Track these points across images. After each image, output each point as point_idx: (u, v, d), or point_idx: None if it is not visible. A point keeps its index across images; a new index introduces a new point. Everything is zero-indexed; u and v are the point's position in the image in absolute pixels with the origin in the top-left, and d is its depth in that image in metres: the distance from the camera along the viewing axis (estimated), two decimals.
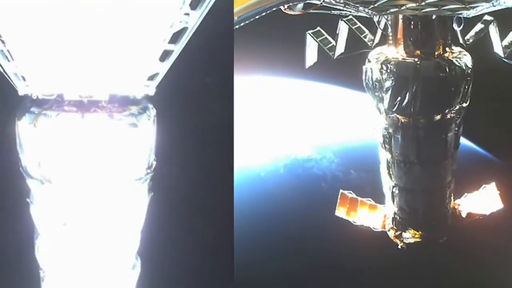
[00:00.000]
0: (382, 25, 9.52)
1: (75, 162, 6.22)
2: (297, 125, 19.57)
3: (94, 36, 5.33)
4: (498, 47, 9.55)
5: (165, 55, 6.15)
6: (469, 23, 9.53)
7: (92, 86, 6.17)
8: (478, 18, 9.60)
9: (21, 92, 6.11)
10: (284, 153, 19.52)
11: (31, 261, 7.40)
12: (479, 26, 9.73)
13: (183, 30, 5.81)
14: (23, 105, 6.33)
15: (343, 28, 9.56)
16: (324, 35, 9.72)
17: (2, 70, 5.91)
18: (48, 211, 6.63)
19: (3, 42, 5.53)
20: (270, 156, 19.21)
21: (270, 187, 18.37)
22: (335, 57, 9.61)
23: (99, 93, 6.28)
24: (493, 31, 9.58)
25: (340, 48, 9.57)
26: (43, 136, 6.16)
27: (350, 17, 9.71)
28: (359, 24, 9.83)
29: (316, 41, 9.63)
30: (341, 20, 9.54)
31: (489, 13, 9.45)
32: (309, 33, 9.69)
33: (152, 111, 6.75)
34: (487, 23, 9.67)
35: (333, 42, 9.61)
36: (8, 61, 5.75)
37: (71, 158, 6.20)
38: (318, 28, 9.81)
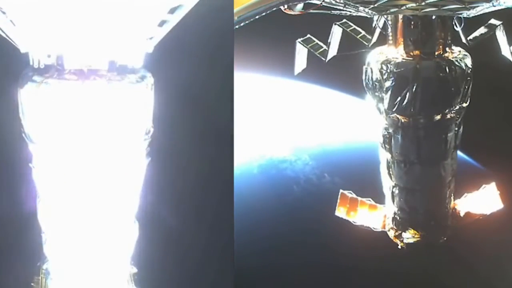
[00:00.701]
0: (381, 25, 9.52)
1: (75, 127, 6.54)
2: (278, 125, 19.36)
3: (93, 5, 5.65)
4: (506, 51, 9.58)
5: (163, 22, 6.43)
6: (474, 24, 9.54)
7: (92, 55, 6.48)
8: (484, 21, 9.60)
9: (23, 51, 6.38)
10: (260, 152, 19.23)
11: (33, 225, 7.68)
12: (484, 29, 9.73)
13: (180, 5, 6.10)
14: (25, 74, 6.63)
15: (336, 32, 9.57)
16: (314, 41, 9.73)
17: (2, 32, 6.19)
18: (49, 175, 6.97)
19: (4, 13, 5.80)
20: (247, 155, 19.01)
21: (242, 186, 18.19)
22: (326, 60, 9.60)
23: (99, 61, 6.57)
24: (500, 35, 9.60)
25: (333, 51, 9.57)
26: (44, 103, 6.47)
27: (344, 20, 9.71)
28: (354, 26, 9.82)
29: (306, 47, 9.64)
30: (335, 24, 9.54)
31: (495, 17, 9.48)
32: (299, 41, 9.71)
33: (150, 80, 6.99)
34: (493, 27, 9.68)
35: (325, 47, 9.60)
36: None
37: (72, 124, 6.52)
38: (308, 35, 9.82)
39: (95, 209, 7.11)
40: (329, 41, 9.54)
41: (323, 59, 9.59)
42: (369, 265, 15.09)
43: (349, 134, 19.31)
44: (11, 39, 6.27)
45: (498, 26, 9.64)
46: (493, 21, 9.75)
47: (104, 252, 7.50)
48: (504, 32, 9.60)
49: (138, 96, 6.77)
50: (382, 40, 9.61)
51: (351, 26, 9.80)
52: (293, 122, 19.38)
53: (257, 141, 18.92)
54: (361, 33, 9.89)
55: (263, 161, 19.24)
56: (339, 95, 19.66)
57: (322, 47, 9.63)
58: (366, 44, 9.74)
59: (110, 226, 7.35)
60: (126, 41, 6.43)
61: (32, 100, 6.54)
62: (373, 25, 9.67)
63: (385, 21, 9.36)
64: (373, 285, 15.58)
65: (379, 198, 10.98)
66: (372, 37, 9.76)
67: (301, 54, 9.73)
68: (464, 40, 9.36)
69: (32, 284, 8.26)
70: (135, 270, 8.24)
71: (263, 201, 17.60)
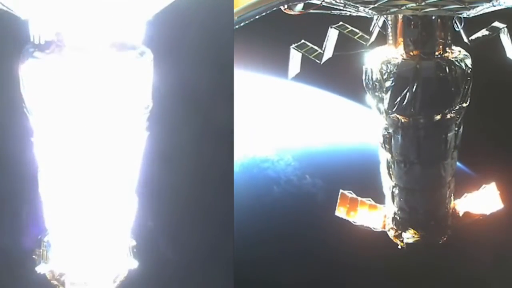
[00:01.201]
0: (380, 25, 9.50)
1: (76, 102, 6.69)
2: (265, 124, 19.13)
3: None
4: (511, 54, 9.58)
5: None
6: (475, 24, 9.53)
7: (92, 31, 6.61)
8: (484, 20, 9.58)
9: (23, 18, 6.48)
10: (243, 151, 18.81)
11: (35, 196, 7.86)
12: (487, 31, 9.71)
13: None
14: (26, 50, 6.76)
15: (332, 35, 9.56)
16: (308, 46, 9.73)
17: (3, 6, 6.29)
18: (50, 148, 7.14)
19: None
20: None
21: None
22: (321, 62, 9.61)
23: (99, 38, 6.68)
24: (505, 38, 9.60)
25: (328, 53, 9.56)
26: (45, 79, 6.61)
27: (341, 23, 9.70)
28: (350, 28, 9.81)
29: (301, 52, 9.66)
30: (331, 27, 9.53)
31: (496, 17, 9.46)
32: (293, 47, 9.73)
33: (149, 55, 7.08)
34: (496, 30, 9.65)
35: (320, 50, 9.60)
36: None
37: (73, 99, 6.67)
38: (303, 40, 9.83)
39: (95, 181, 7.28)
40: (324, 44, 9.54)
41: (318, 61, 9.60)
42: (369, 265, 15.09)
43: (336, 136, 19.15)
44: (10, 10, 6.35)
45: (502, 29, 9.62)
46: (496, 23, 9.73)
47: (104, 224, 7.68)
48: (509, 35, 9.59)
49: (137, 72, 6.90)
50: (382, 40, 9.61)
51: (348, 28, 9.79)
52: (280, 122, 19.17)
53: (242, 139, 18.68)
54: (358, 33, 9.88)
55: (246, 160, 19.01)
56: (331, 97, 19.46)
57: (316, 50, 9.64)
58: (364, 43, 9.72)
59: (110, 198, 7.52)
60: (126, 17, 6.56)
61: (33, 76, 6.67)
62: (372, 25, 9.65)
63: (385, 21, 9.36)
64: (373, 285, 15.58)
65: (378, 198, 10.97)
66: (370, 37, 9.74)
67: (295, 59, 9.76)
68: (466, 40, 9.34)
69: (34, 256, 8.44)
70: (134, 243, 8.44)
71: (242, 200, 17.46)
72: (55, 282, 8.31)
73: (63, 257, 8.01)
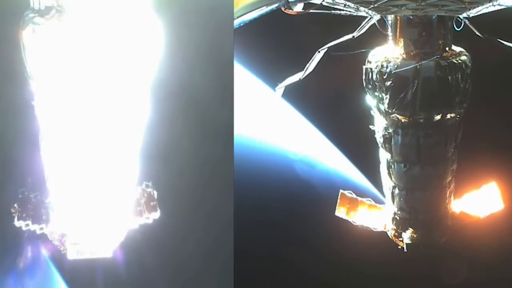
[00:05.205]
0: (378, 23, 9.41)
1: (77, 65, 6.80)
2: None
3: None
4: None
5: None
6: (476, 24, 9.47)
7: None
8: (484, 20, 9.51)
9: None
10: None
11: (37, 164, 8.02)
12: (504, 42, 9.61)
13: None
14: (26, 16, 6.88)
15: (317, 57, 9.60)
16: (290, 82, 10.02)
17: None
18: (51, 111, 7.31)
19: None
20: None
21: None
22: (301, 78, 9.66)
23: (99, 2, 6.74)
24: None
25: (309, 70, 9.63)
26: (46, 44, 6.71)
27: (328, 44, 9.72)
28: (337, 41, 9.75)
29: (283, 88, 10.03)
30: (318, 51, 9.55)
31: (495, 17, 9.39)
32: (277, 88, 10.11)
33: (155, 21, 7.18)
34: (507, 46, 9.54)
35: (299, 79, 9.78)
36: None
37: (73, 62, 6.79)
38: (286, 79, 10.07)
39: (96, 144, 7.43)
40: (307, 65, 9.58)
41: (298, 79, 9.74)
42: (368, 265, 15.08)
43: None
44: None
45: None
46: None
47: (106, 186, 7.86)
48: None
49: (141, 37, 6.95)
50: (381, 40, 9.59)
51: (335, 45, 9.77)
52: None
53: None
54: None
55: None
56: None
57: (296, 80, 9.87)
58: (353, 36, 9.58)
59: (111, 161, 7.68)
60: None
61: (34, 41, 6.73)
62: (366, 20, 9.51)
63: (385, 21, 9.34)
64: (373, 285, 15.58)
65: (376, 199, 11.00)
66: (356, 32, 9.60)
67: (277, 94, 10.14)
68: (478, 34, 9.18)
69: (35, 217, 8.59)
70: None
71: None
72: (57, 243, 8.40)
73: (64, 218, 8.16)
